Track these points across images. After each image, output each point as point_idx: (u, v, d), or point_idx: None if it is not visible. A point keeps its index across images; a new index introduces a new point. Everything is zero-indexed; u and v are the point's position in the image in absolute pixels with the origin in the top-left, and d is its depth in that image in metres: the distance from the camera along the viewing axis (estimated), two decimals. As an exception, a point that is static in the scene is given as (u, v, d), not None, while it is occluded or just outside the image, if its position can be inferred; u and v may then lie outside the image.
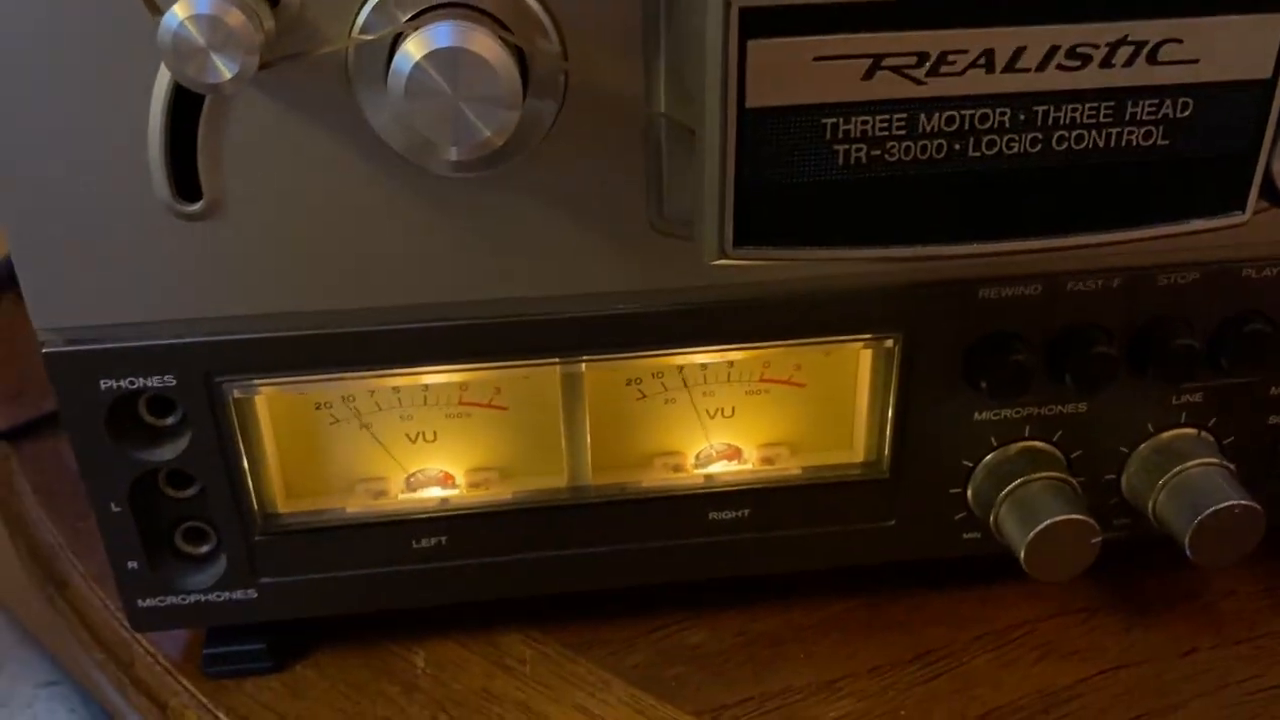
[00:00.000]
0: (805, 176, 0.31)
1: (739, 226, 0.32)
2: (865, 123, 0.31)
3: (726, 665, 0.46)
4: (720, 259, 0.32)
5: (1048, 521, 0.41)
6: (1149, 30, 0.30)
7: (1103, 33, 0.30)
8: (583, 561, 0.44)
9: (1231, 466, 0.43)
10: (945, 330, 0.41)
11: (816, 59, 0.30)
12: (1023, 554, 0.41)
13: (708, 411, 0.44)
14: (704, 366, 0.43)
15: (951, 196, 0.32)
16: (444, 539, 0.43)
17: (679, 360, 0.42)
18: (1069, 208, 0.33)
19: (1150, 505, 0.44)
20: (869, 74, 0.30)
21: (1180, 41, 0.31)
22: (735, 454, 0.45)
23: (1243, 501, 0.42)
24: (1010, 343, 0.41)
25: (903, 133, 0.31)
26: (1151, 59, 0.31)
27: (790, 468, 0.45)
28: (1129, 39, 0.30)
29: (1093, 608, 0.48)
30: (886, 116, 0.31)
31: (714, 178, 0.31)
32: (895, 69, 0.30)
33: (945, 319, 0.41)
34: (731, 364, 0.43)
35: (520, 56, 0.33)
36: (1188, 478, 0.43)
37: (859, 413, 0.44)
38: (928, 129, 0.31)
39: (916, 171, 0.32)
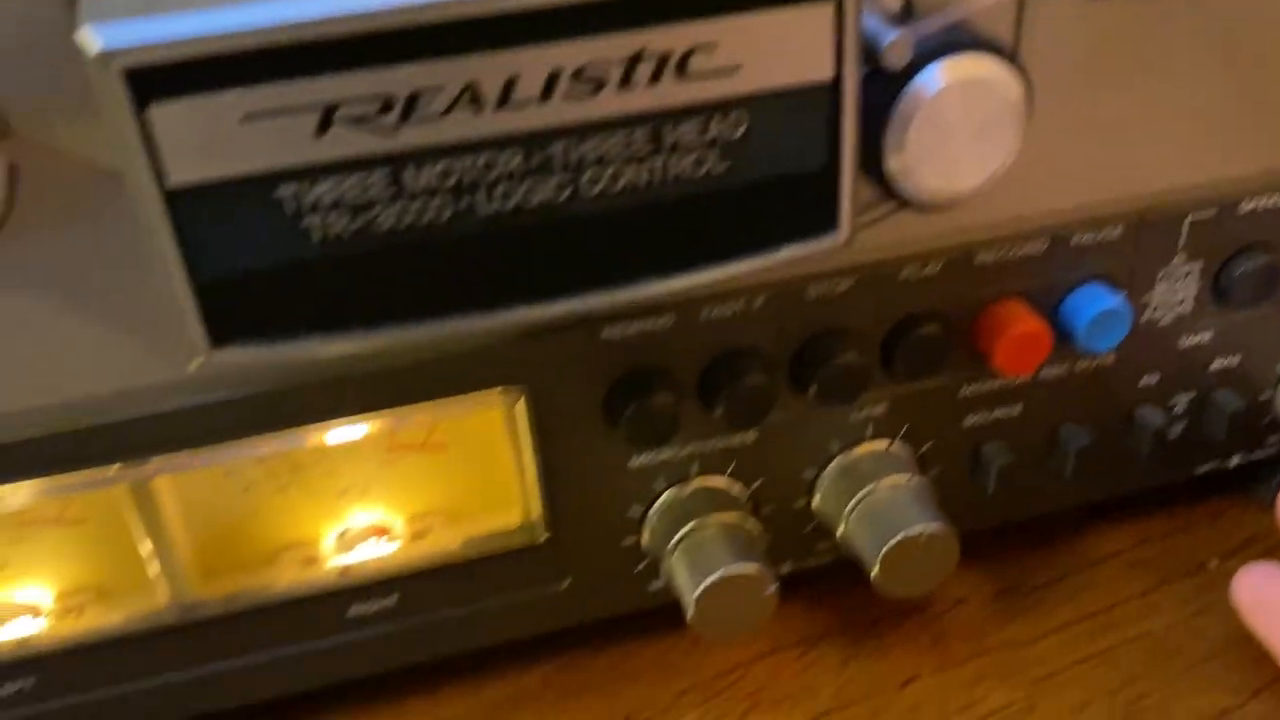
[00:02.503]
0: (281, 258, 0.25)
1: (212, 326, 0.26)
2: (335, 188, 0.25)
3: (399, 769, 0.41)
4: (199, 365, 0.26)
5: (711, 579, 0.36)
6: (671, 38, 0.25)
7: (613, 47, 0.25)
8: (202, 683, 0.38)
9: (923, 482, 0.39)
10: (574, 377, 0.36)
11: (246, 119, 0.24)
12: (689, 615, 0.37)
13: (335, 492, 0.38)
14: (315, 445, 0.37)
15: (471, 260, 0.26)
16: (32, 681, 0.37)
17: (275, 446, 0.36)
18: (621, 257, 0.27)
19: (840, 532, 0.40)
20: (322, 129, 0.24)
21: (712, 49, 0.25)
22: (382, 532, 0.39)
23: (930, 528, 0.37)
24: (649, 383, 0.36)
25: (389, 194, 0.25)
26: (682, 73, 0.25)
27: (445, 541, 0.39)
28: (647, 52, 0.25)
29: (811, 639, 0.43)
30: (360, 177, 0.25)
31: (165, 273, 0.25)
32: (355, 120, 0.24)
33: (570, 365, 0.35)
34: (348, 439, 0.37)
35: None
36: (874, 502, 0.39)
37: (511, 471, 0.39)
38: (418, 187, 0.25)
39: (421, 237, 0.26)
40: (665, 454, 0.38)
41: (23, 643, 0.37)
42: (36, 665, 0.37)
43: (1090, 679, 0.41)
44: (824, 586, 0.44)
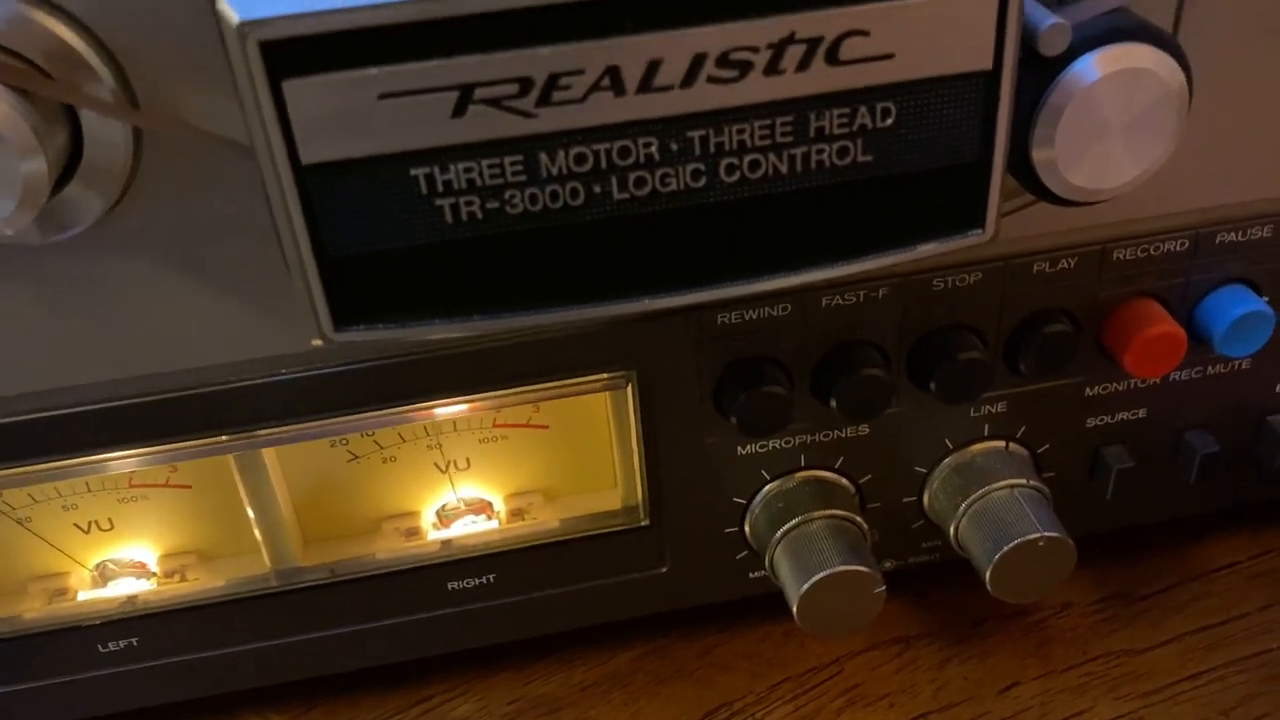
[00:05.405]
0: (410, 240, 0.25)
1: (336, 305, 0.25)
2: (469, 170, 0.24)
3: (491, 744, 0.40)
4: (321, 342, 0.26)
5: (820, 575, 0.35)
6: (822, 23, 0.23)
7: (760, 31, 0.23)
8: (300, 650, 0.38)
9: (1041, 486, 0.38)
10: (684, 362, 0.35)
11: (383, 96, 0.23)
12: (795, 609, 0.36)
13: (438, 466, 0.38)
14: (421, 420, 0.36)
15: (600, 248, 0.25)
16: (135, 640, 0.37)
17: (382, 419, 0.35)
18: (752, 249, 0.26)
19: (952, 531, 0.38)
20: (459, 109, 0.23)
21: (865, 34, 0.24)
22: (482, 508, 0.39)
23: (1048, 534, 0.36)
24: (762, 372, 0.35)
25: (522, 178, 0.24)
26: (832, 59, 0.24)
27: (543, 520, 0.38)
28: (796, 36, 0.23)
29: (909, 638, 0.42)
30: (496, 160, 0.24)
31: (292, 250, 0.25)
32: (492, 101, 0.23)
33: (682, 351, 0.34)
34: (454, 414, 0.36)
35: (69, 110, 0.26)
36: (990, 503, 0.37)
37: (613, 453, 0.38)
38: (553, 171, 0.24)
39: (552, 222, 0.25)
40: (773, 444, 0.37)
41: (127, 602, 0.37)
42: (139, 625, 0.37)
43: (1204, 696, 0.40)
44: (923, 584, 0.43)
